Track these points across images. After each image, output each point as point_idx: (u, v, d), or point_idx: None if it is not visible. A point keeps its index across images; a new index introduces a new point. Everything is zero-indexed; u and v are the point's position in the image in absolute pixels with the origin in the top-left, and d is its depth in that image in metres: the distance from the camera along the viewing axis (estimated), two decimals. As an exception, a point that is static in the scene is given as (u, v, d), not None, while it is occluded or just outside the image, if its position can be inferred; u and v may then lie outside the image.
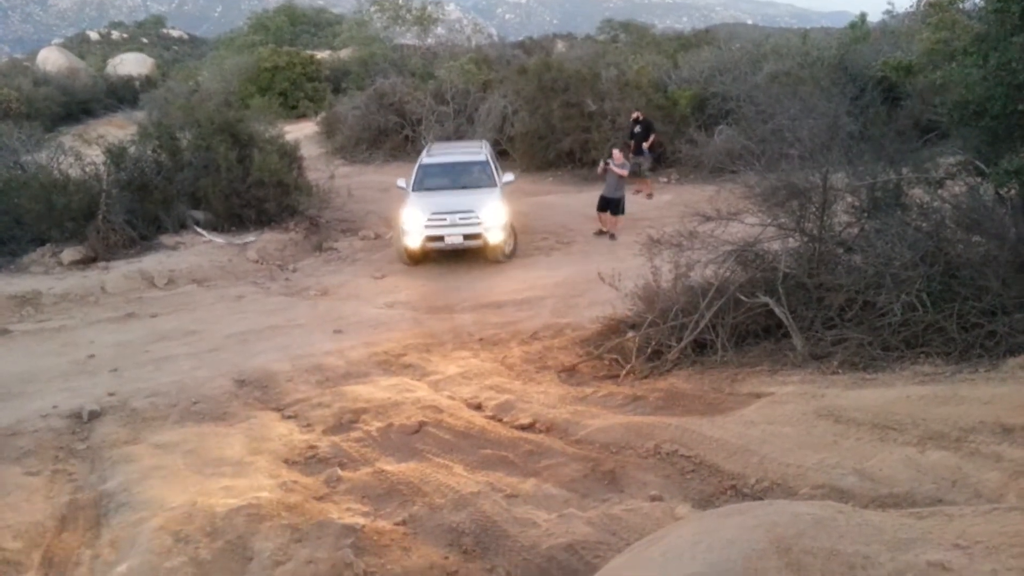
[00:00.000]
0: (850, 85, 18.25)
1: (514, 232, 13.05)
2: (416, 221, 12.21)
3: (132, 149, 14.99)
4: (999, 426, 4.17)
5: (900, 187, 8.06)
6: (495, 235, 12.25)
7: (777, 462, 4.65)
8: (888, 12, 21.90)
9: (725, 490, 4.57)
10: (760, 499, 4.41)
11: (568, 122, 18.53)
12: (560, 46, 36.13)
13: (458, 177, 13.47)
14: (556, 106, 18.86)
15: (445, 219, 12.19)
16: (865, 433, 4.60)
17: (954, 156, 8.47)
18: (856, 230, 7.97)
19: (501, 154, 20.73)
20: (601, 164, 14.03)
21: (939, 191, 7.60)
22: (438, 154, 14.27)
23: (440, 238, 12.18)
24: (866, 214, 8.11)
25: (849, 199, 8.17)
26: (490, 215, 12.31)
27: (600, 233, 14.16)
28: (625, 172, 13.81)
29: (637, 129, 16.99)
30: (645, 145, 16.93)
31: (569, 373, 8.13)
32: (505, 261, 12.53)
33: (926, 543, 2.26)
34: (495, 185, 13.15)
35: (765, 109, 15.78)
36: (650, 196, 16.61)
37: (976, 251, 5.59)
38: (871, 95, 17.36)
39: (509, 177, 13.54)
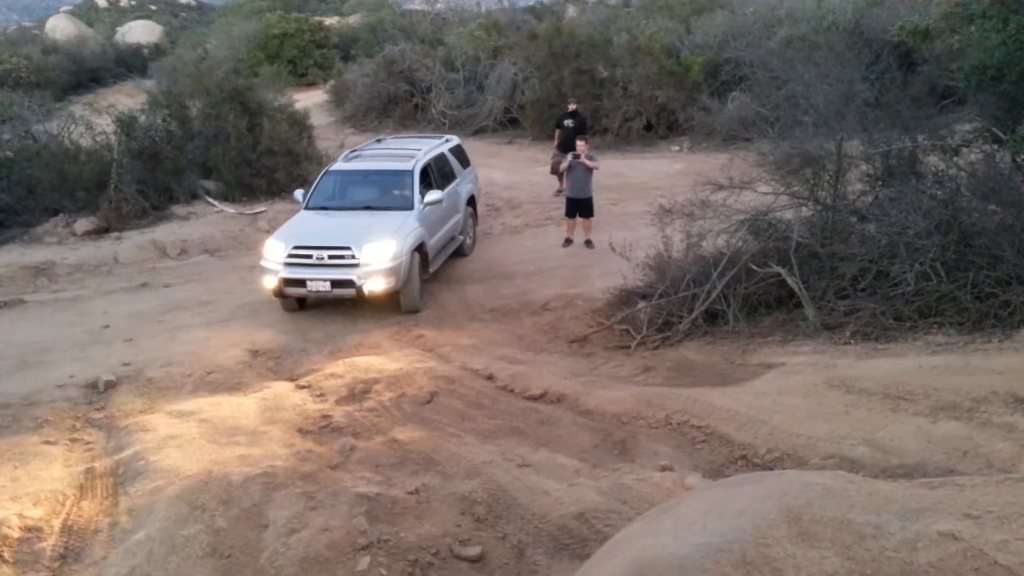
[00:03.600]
0: (866, 50, 17.98)
1: (409, 278, 9.17)
2: (275, 255, 9.05)
3: (142, 118, 15.00)
4: (1011, 396, 4.16)
5: (915, 155, 7.96)
6: (375, 283, 8.81)
7: (787, 432, 4.66)
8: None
9: (735, 460, 4.59)
10: (770, 469, 4.43)
11: (579, 89, 18.33)
12: (571, 11, 35.58)
13: (367, 193, 10.12)
14: (567, 73, 18.67)
15: (310, 257, 8.89)
16: (876, 403, 4.60)
17: (971, 123, 8.35)
18: (870, 198, 7.90)
19: (511, 122, 20.65)
20: (566, 160, 11.52)
21: (955, 158, 7.51)
22: (357, 157, 10.94)
23: (301, 283, 8.90)
24: (880, 182, 8.04)
25: (863, 167, 8.09)
26: (373, 254, 8.81)
27: (568, 243, 11.68)
28: (597, 165, 11.54)
29: (569, 123, 14.01)
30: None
31: (580, 344, 8.15)
32: (413, 312, 9.25)
33: (937, 513, 2.27)
34: (410, 207, 9.66)
35: (779, 75, 15.57)
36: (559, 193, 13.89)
37: (991, 220, 5.52)
38: (887, 60, 17.11)
39: (435, 195, 9.87)
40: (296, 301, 9.44)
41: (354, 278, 8.88)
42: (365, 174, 10.49)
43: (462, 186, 11.58)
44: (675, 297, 8.08)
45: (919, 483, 2.62)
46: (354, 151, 11.16)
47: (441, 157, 11.14)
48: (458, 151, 12.10)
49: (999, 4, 6.07)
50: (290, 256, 9.04)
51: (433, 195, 9.89)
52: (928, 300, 5.68)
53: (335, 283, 8.92)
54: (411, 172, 10.09)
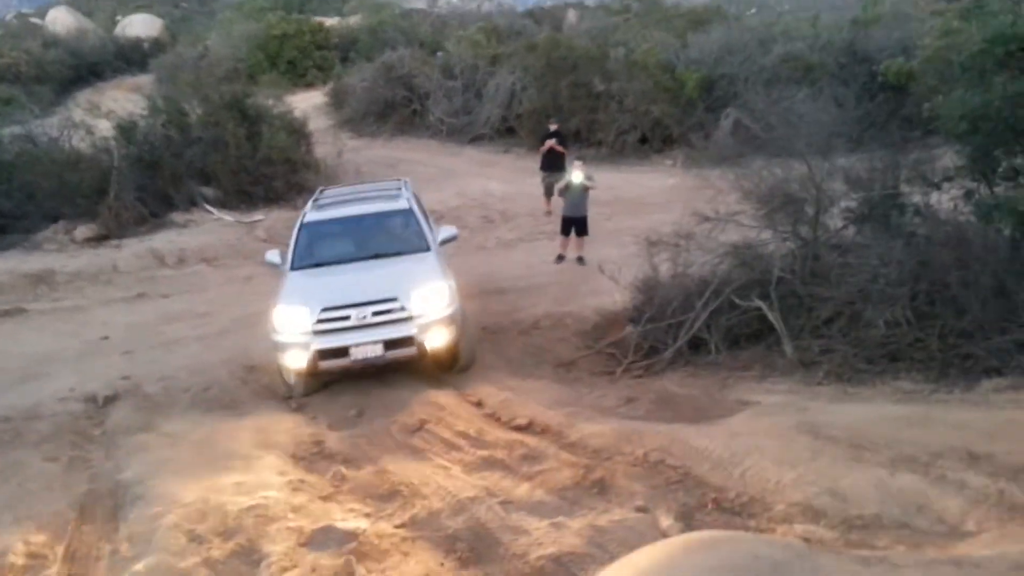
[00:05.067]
0: (859, 69, 18.26)
1: (464, 327, 7.88)
2: (296, 324, 7.38)
3: (142, 124, 15.19)
4: (966, 452, 4.42)
5: (897, 188, 8.18)
6: (437, 336, 7.46)
7: (758, 477, 4.91)
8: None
9: (707, 503, 4.83)
10: (739, 514, 4.69)
11: (575, 102, 18.57)
12: (571, 16, 35.77)
13: (366, 239, 8.58)
14: (564, 85, 18.88)
15: (347, 318, 7.35)
16: (841, 451, 4.85)
17: (953, 158, 8.59)
18: (852, 231, 8.14)
19: (508, 131, 20.85)
20: (562, 182, 11.68)
21: (937, 192, 7.73)
22: (332, 204, 9.27)
23: (343, 351, 7.31)
24: (863, 216, 8.26)
25: (844, 204, 8.32)
26: (426, 301, 7.50)
27: (561, 259, 11.74)
28: (595, 185, 11.70)
29: (551, 142, 14.12)
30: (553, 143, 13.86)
31: (567, 368, 8.39)
32: (458, 374, 7.89)
33: (867, 597, 2.51)
34: (427, 248, 8.32)
35: (772, 94, 15.81)
36: (548, 214, 14.14)
37: (960, 272, 5.77)
38: (880, 81, 17.37)
39: (450, 232, 8.77)
40: (317, 378, 7.68)
41: (413, 333, 7.38)
42: (357, 220, 8.78)
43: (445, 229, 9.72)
44: (661, 324, 8.31)
45: (859, 558, 2.87)
46: (318, 199, 9.45)
47: (414, 195, 9.44)
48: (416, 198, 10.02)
49: (980, 56, 6.26)
50: (320, 322, 7.31)
51: (447, 231, 8.74)
52: (899, 344, 5.93)
53: (389, 344, 7.33)
54: (411, 210, 8.82)
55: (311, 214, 8.94)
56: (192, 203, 14.36)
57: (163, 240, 13.13)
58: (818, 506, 4.44)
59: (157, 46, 39.19)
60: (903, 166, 8.14)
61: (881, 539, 3.87)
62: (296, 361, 7.42)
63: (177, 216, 14.02)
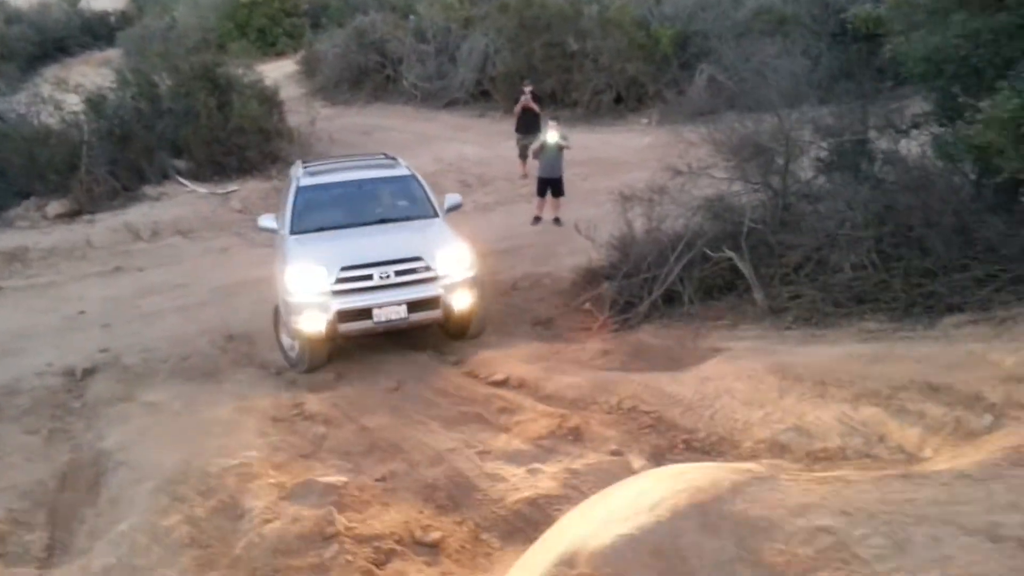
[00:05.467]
0: (832, 20, 18.23)
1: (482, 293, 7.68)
2: (312, 286, 7.05)
3: (111, 97, 14.95)
4: (926, 384, 4.55)
5: (866, 136, 8.27)
6: (462, 298, 7.28)
7: (727, 417, 5.05)
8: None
9: (678, 444, 4.97)
10: (708, 452, 4.82)
11: (550, 62, 18.44)
12: (545, -24, 35.26)
13: (369, 205, 8.34)
14: (538, 46, 18.72)
15: (369, 277, 7.06)
16: (807, 389, 4.98)
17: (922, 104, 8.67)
18: (822, 181, 8.23)
19: (483, 95, 20.69)
20: (537, 142, 11.64)
21: (904, 140, 7.82)
22: (325, 171, 8.88)
23: (365, 313, 7.02)
24: (832, 165, 8.35)
25: (815, 153, 8.39)
26: (450, 260, 7.31)
27: (538, 220, 11.76)
28: (569, 146, 11.70)
29: (525, 97, 14.03)
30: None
31: (545, 326, 8.48)
32: (474, 338, 7.73)
33: (820, 508, 2.63)
34: (435, 214, 8.14)
35: (744, 48, 15.79)
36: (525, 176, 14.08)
37: (923, 213, 5.88)
38: (851, 31, 17.36)
39: (455, 199, 8.44)
40: (326, 350, 7.32)
41: (439, 294, 7.14)
42: (358, 185, 8.51)
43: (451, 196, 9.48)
44: (636, 279, 8.40)
45: (816, 477, 2.99)
46: (307, 166, 9.10)
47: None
48: None
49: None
50: (340, 281, 6.99)
51: (452, 198, 8.43)
52: (864, 287, 6.05)
53: (413, 306, 7.07)
54: (414, 176, 8.61)
55: (305, 179, 8.51)
56: (165, 176, 14.21)
57: (137, 214, 13.02)
58: (783, 441, 4.57)
59: (124, 19, 38.41)
60: (872, 114, 8.22)
61: (843, 468, 4.00)
62: (312, 324, 6.98)
63: (150, 189, 13.87)
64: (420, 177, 8.70)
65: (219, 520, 4.45)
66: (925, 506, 2.42)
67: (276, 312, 7.87)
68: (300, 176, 8.56)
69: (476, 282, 7.48)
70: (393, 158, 9.19)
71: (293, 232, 7.90)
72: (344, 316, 7.03)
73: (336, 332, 7.11)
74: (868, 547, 2.33)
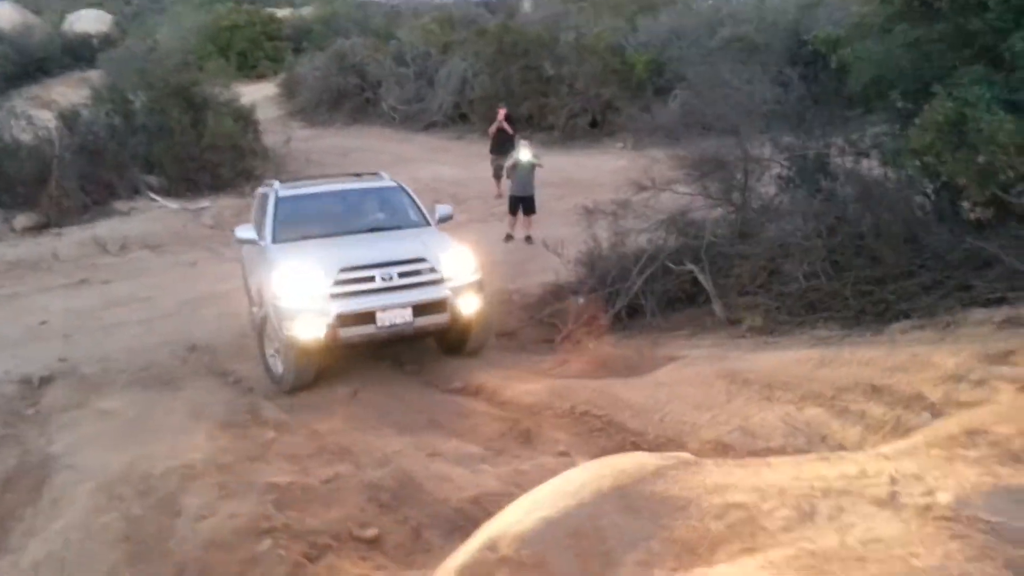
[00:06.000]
0: (804, 50, 18.61)
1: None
2: (308, 289, 6.54)
3: (85, 113, 14.95)
4: (869, 386, 4.58)
5: (826, 159, 8.41)
6: (469, 302, 6.83)
7: (675, 420, 5.05)
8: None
9: (626, 446, 4.95)
10: (655, 453, 4.81)
11: (526, 86, 18.68)
12: (526, 5, 35.83)
13: (356, 214, 7.88)
14: (515, 70, 18.97)
15: (371, 279, 6.60)
16: (755, 393, 5.01)
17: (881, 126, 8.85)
18: (782, 199, 8.35)
19: (461, 117, 20.87)
20: (510, 160, 11.85)
21: (863, 159, 7.96)
22: (304, 185, 8.43)
23: (367, 317, 6.51)
24: (792, 183, 8.48)
25: (777, 170, 8.52)
26: (455, 263, 6.92)
27: (510, 238, 11.79)
28: (541, 164, 12.00)
29: (501, 114, 14.43)
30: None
31: (509, 338, 8.48)
32: (474, 353, 7.37)
33: (735, 487, 2.63)
34: (427, 223, 7.71)
35: (716, 76, 16.05)
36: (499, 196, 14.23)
37: (873, 223, 5.97)
38: (822, 61, 17.73)
39: (446, 210, 7.92)
40: (318, 362, 6.77)
41: (446, 296, 6.67)
42: (342, 195, 8.16)
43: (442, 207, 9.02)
44: (601, 292, 8.45)
45: (739, 463, 2.99)
46: (285, 183, 8.46)
47: None
48: None
49: (883, 6, 6.41)
50: (340, 283, 6.50)
51: (443, 209, 7.92)
52: (817, 296, 6.12)
53: (419, 309, 6.58)
54: (402, 187, 8.22)
55: (284, 190, 7.97)
56: (136, 191, 14.17)
57: (106, 228, 12.94)
58: (728, 441, 4.58)
59: (107, 41, 38.43)
60: (836, 136, 8.38)
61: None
62: (309, 330, 6.39)
63: (120, 204, 13.82)
64: (407, 188, 8.33)
65: (156, 517, 4.39)
66: (833, 481, 2.43)
67: (261, 324, 7.25)
68: (277, 189, 8.01)
69: (483, 286, 7.06)
70: (376, 173, 8.88)
71: (276, 241, 7.34)
72: (345, 320, 6.44)
73: (337, 339, 6.49)
74: (775, 519, 2.33)
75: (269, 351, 7.07)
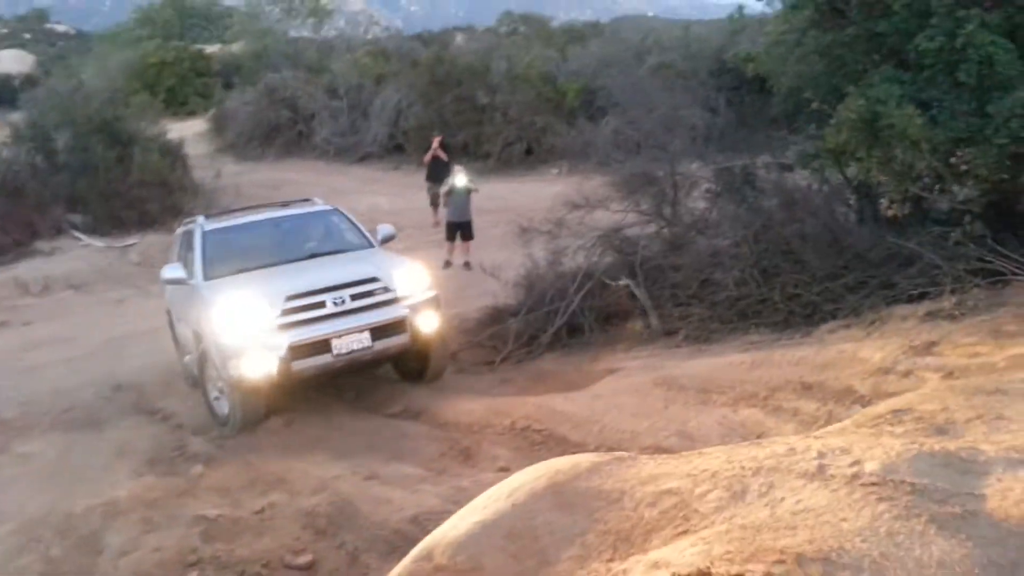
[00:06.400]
0: (728, 76, 19.24)
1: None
2: (252, 322, 6.00)
3: (5, 152, 14.45)
4: (800, 384, 4.67)
5: (752, 172, 8.65)
6: (429, 320, 6.48)
7: (614, 429, 5.04)
8: (768, 2, 22.99)
9: (566, 458, 4.90)
10: (596, 464, 4.77)
11: (461, 116, 18.79)
12: (459, 39, 36.26)
13: (292, 242, 7.35)
14: (449, 100, 19.09)
15: (321, 305, 6.11)
16: (691, 398, 5.04)
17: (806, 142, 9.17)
18: (712, 212, 8.54)
19: (396, 148, 20.85)
20: (446, 186, 11.94)
21: (787, 173, 8.21)
22: (230, 217, 7.99)
23: (323, 346, 6.03)
24: (720, 197, 8.68)
25: (706, 186, 8.72)
26: (409, 280, 6.54)
27: (448, 265, 11.70)
28: (477, 189, 12.09)
29: (435, 144, 14.36)
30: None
31: (449, 361, 8.38)
32: (436, 378, 7.08)
33: (669, 476, 2.61)
34: (370, 244, 7.32)
35: (643, 102, 16.45)
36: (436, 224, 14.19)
37: (797, 228, 6.13)
38: (747, 86, 18.35)
39: (388, 230, 7.61)
40: (268, 403, 6.27)
41: (405, 315, 6.25)
42: (274, 224, 7.60)
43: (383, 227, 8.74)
44: (540, 312, 8.45)
45: (673, 456, 2.97)
46: (210, 217, 8.07)
47: None
48: None
49: (793, 12, 6.66)
50: (287, 312, 5.98)
51: (385, 229, 7.58)
52: (748, 303, 6.23)
53: (377, 332, 6.13)
54: (337, 209, 7.88)
55: (209, 224, 7.47)
56: (59, 230, 13.69)
57: (27, 268, 12.45)
58: (667, 446, 4.57)
59: (29, 82, 37.37)
60: (760, 153, 8.65)
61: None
62: (258, 368, 5.86)
63: (43, 244, 13.32)
64: (344, 210, 7.92)
65: (76, 557, 4.15)
66: (764, 460, 2.42)
67: (200, 366, 6.69)
68: (202, 223, 7.49)
69: (439, 303, 6.72)
70: (308, 199, 8.48)
71: (208, 278, 6.73)
72: (298, 352, 5.90)
73: (290, 373, 5.94)
74: (707, 502, 2.31)
75: (213, 394, 6.59)
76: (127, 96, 25.63)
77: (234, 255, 7.02)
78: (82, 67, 35.08)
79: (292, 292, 6.09)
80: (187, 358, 7.54)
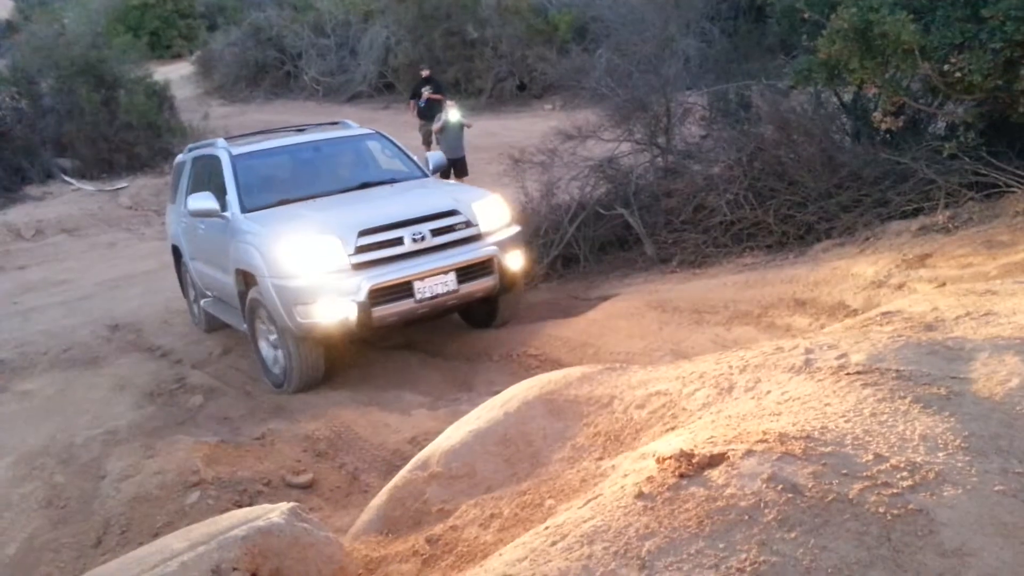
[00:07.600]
0: (724, 4, 18.80)
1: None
2: (322, 262, 5.21)
3: (-12, 98, 14.20)
4: (793, 300, 4.68)
5: (746, 96, 8.52)
6: (516, 258, 5.75)
7: (610, 351, 5.07)
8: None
9: (561, 380, 4.95)
10: (591, 384, 4.82)
11: (450, 51, 18.41)
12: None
13: (339, 168, 6.67)
14: (438, 35, 18.67)
15: (400, 240, 5.33)
16: (685, 319, 5.06)
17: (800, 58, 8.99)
18: (707, 137, 8.44)
19: (387, 87, 20.48)
20: (438, 123, 11.40)
21: (782, 99, 8.09)
22: (258, 141, 7.02)
23: (404, 288, 5.25)
24: (715, 124, 8.57)
25: (700, 112, 8.59)
26: (491, 213, 5.81)
27: None
28: (470, 123, 11.65)
29: (426, 90, 13.31)
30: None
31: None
32: (505, 324, 6.35)
33: (658, 380, 2.63)
34: (424, 173, 6.62)
35: (637, 31, 16.09)
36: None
37: (790, 147, 6.06)
38: (743, 15, 17.95)
39: (440, 158, 6.97)
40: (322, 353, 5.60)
41: (493, 253, 5.54)
42: (313, 147, 6.78)
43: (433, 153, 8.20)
44: (535, 244, 8.42)
45: (665, 365, 3.00)
46: (232, 140, 7.26)
47: None
48: None
49: None
50: (362, 250, 5.21)
51: (436, 156, 6.92)
52: (742, 227, 6.20)
53: (463, 272, 5.40)
54: (383, 134, 7.07)
55: (237, 147, 6.55)
56: (49, 175, 13.53)
57: (18, 213, 12.35)
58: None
59: (9, 28, 36.47)
60: (755, 79, 8.48)
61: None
62: (335, 312, 5.10)
63: (33, 189, 13.19)
64: (387, 134, 7.13)
65: (79, 482, 4.21)
66: (751, 358, 2.44)
67: (251, 314, 5.84)
68: (228, 147, 6.55)
69: (521, 240, 5.92)
70: (339, 121, 7.61)
71: (246, 210, 5.90)
72: (379, 295, 5.14)
73: (370, 320, 5.19)
74: (695, 400, 2.34)
75: (264, 346, 5.87)
76: (110, 40, 25.14)
77: (273, 184, 6.29)
78: (63, 12, 34.20)
79: (366, 226, 5.27)
80: (203, 301, 7.04)
